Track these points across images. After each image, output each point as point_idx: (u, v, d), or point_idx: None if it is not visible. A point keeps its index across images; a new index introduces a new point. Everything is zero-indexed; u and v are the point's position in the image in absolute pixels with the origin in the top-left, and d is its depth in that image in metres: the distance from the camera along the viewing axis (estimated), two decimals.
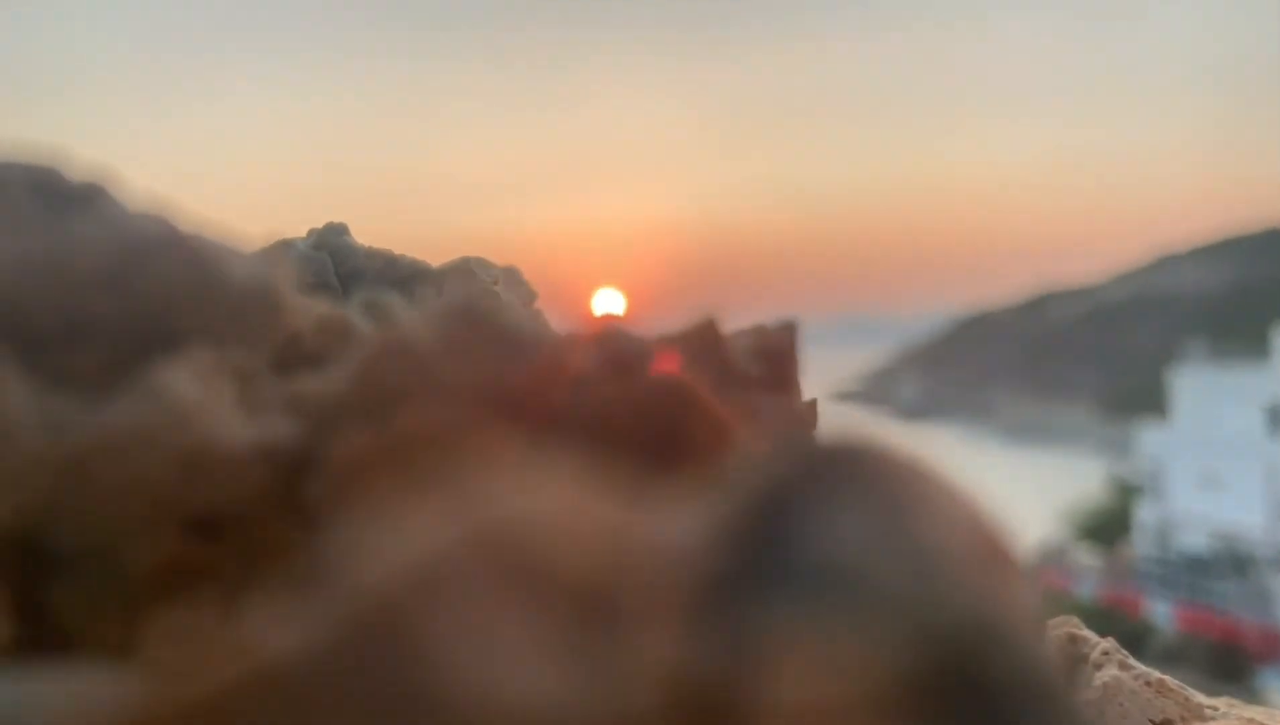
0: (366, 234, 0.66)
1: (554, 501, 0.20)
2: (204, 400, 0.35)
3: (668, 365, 0.41)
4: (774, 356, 0.46)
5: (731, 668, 0.17)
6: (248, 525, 0.33)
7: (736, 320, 0.47)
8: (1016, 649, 0.19)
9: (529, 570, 0.18)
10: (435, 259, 0.65)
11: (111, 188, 0.40)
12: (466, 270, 0.64)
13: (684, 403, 0.39)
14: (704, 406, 0.39)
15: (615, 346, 0.40)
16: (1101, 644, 0.72)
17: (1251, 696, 0.76)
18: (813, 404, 0.48)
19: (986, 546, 0.23)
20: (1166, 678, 0.70)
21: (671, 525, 0.20)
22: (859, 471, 0.22)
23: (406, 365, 0.36)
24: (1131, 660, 0.71)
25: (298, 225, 0.65)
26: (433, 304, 0.41)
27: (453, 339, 0.37)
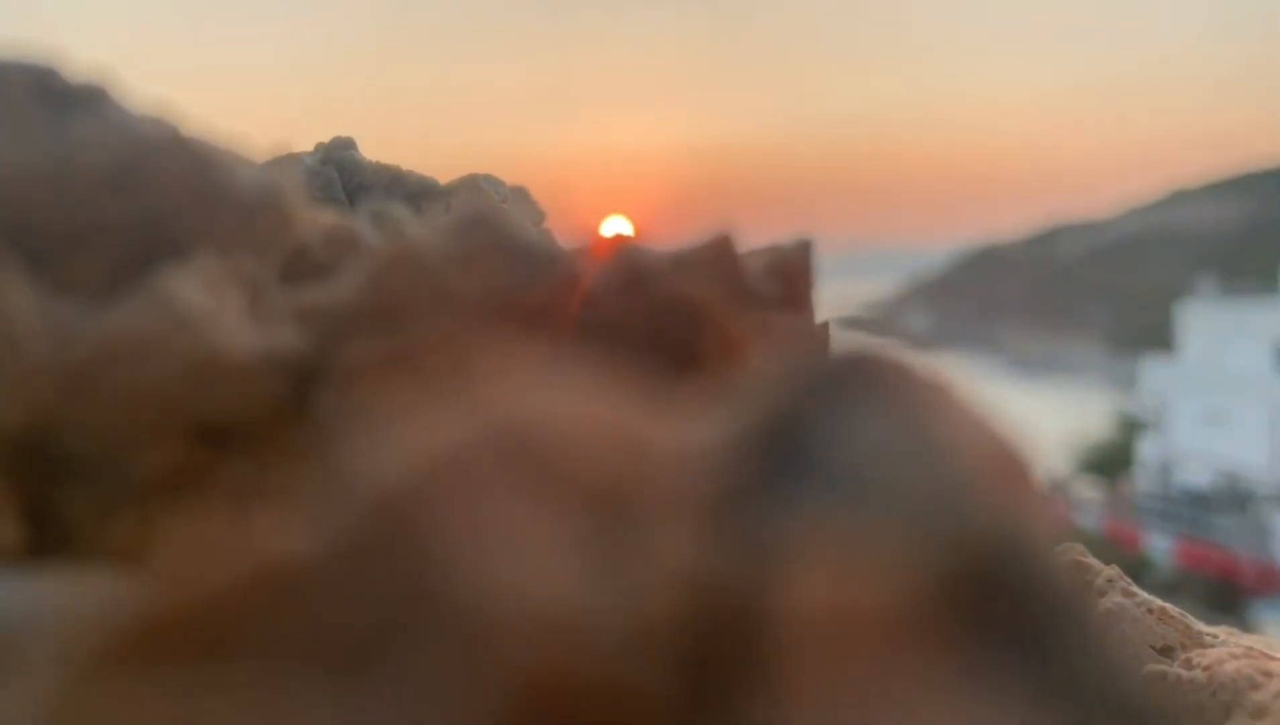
0: (370, 154, 0.65)
1: (569, 405, 0.20)
2: (212, 308, 0.34)
3: (682, 281, 0.40)
4: (788, 275, 0.45)
5: (750, 572, 0.17)
6: (257, 434, 0.33)
7: (746, 249, 0.46)
8: (1036, 559, 0.19)
9: (543, 470, 0.18)
10: (441, 180, 0.64)
11: (113, 89, 0.39)
12: (475, 186, 0.63)
13: (696, 318, 0.39)
14: (717, 323, 0.39)
15: (628, 262, 0.40)
16: (1105, 571, 0.72)
17: (1245, 629, 0.77)
18: (826, 325, 0.47)
19: (1004, 460, 0.22)
20: (1168, 606, 0.70)
21: (689, 431, 0.20)
22: (878, 381, 0.22)
23: (416, 275, 0.35)
24: (1134, 588, 0.72)
25: (303, 144, 0.64)
26: (442, 215, 0.40)
27: (463, 249, 0.36)
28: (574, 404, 0.20)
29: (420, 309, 0.34)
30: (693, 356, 0.38)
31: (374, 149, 0.64)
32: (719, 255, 0.43)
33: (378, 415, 0.30)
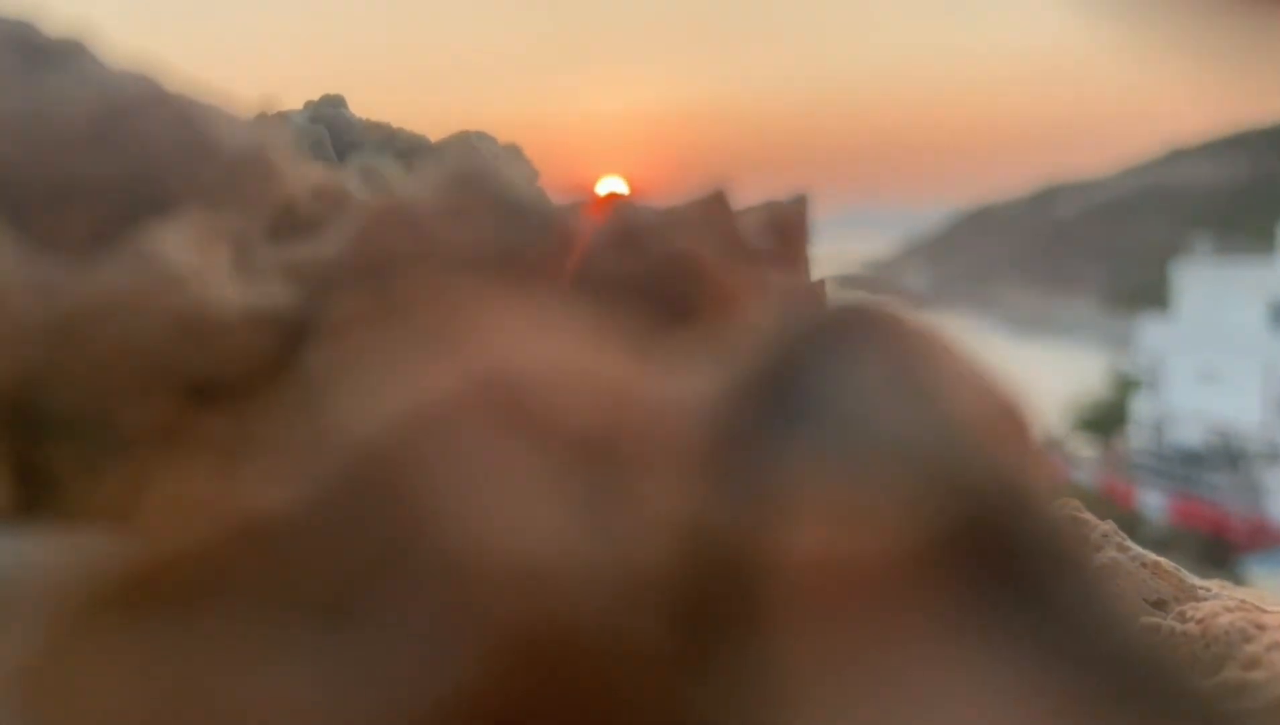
0: (360, 113, 0.64)
1: (559, 356, 0.19)
2: (197, 264, 0.34)
3: (676, 237, 0.40)
4: (784, 231, 0.45)
5: (745, 519, 0.17)
6: (244, 390, 0.33)
7: (741, 205, 0.45)
8: (1035, 510, 0.19)
9: (531, 419, 0.18)
10: (433, 138, 0.63)
11: (91, 44, 0.38)
12: (467, 143, 0.63)
13: (691, 274, 0.38)
14: (711, 278, 0.38)
15: (622, 218, 0.39)
16: (1101, 526, 0.72)
17: (1237, 583, 0.77)
18: (821, 282, 0.47)
19: (1002, 410, 0.22)
20: (1162, 560, 0.71)
21: (682, 379, 0.20)
22: (874, 331, 0.21)
23: (406, 230, 0.34)
24: (1129, 542, 0.72)
25: (293, 100, 0.63)
26: (433, 170, 0.40)
27: (454, 204, 0.36)
28: (565, 355, 0.20)
29: (409, 264, 0.34)
30: (688, 312, 0.38)
31: (365, 107, 0.64)
32: (714, 211, 0.42)
33: (365, 369, 0.29)
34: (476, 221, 0.36)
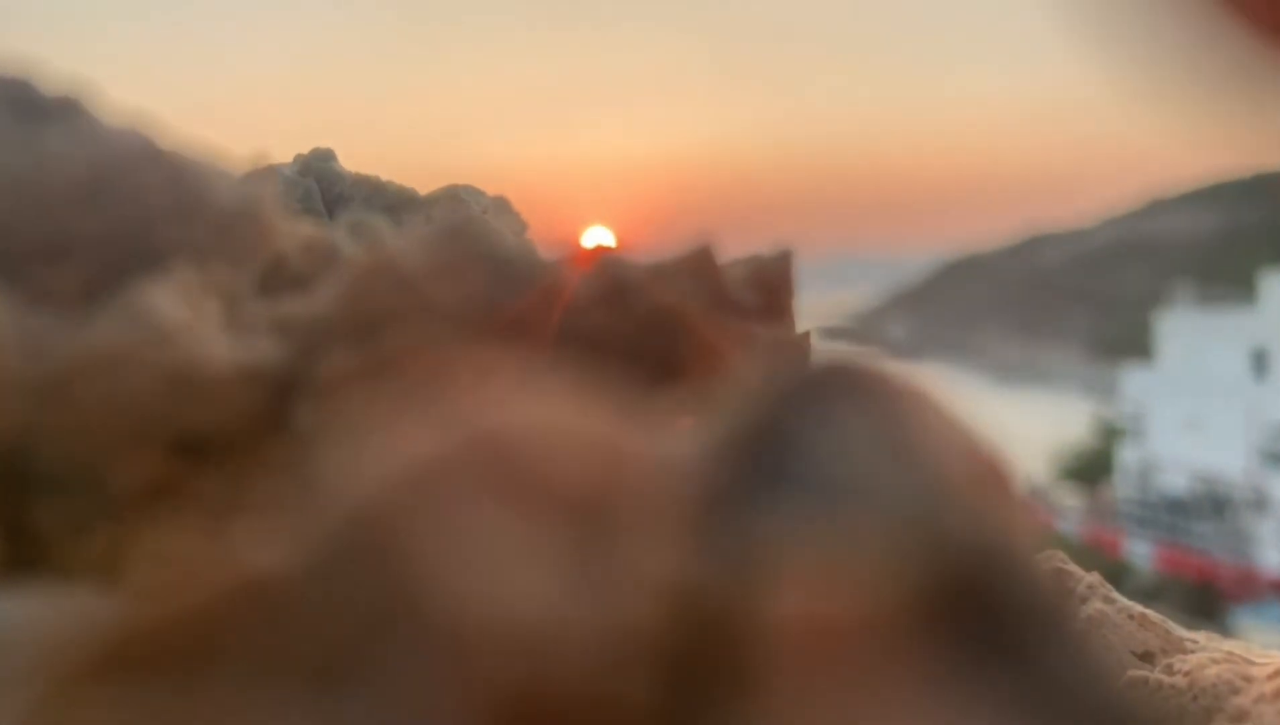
0: (352, 162, 0.64)
1: (547, 415, 0.20)
2: (188, 320, 0.34)
3: (662, 292, 0.40)
4: (769, 285, 0.46)
5: (730, 580, 0.17)
6: (234, 446, 0.33)
7: (726, 259, 0.46)
8: (1017, 569, 0.19)
9: (522, 481, 0.18)
10: (423, 189, 0.64)
11: (87, 101, 0.39)
12: (455, 197, 0.63)
13: (678, 329, 0.39)
14: (697, 333, 0.39)
15: (609, 273, 0.40)
16: (1086, 578, 0.72)
17: (1225, 633, 0.77)
18: (806, 335, 0.47)
19: (984, 469, 0.23)
20: (1149, 611, 0.71)
21: (669, 439, 0.20)
22: (857, 389, 0.22)
23: (394, 286, 0.35)
24: (1115, 594, 0.72)
25: (283, 153, 0.64)
26: (421, 226, 0.40)
27: (442, 260, 0.36)
28: (553, 414, 0.20)
29: (399, 320, 0.34)
30: (673, 367, 0.38)
31: (353, 156, 0.64)
32: (700, 266, 0.43)
33: (356, 427, 0.30)
34: (464, 277, 0.37)
